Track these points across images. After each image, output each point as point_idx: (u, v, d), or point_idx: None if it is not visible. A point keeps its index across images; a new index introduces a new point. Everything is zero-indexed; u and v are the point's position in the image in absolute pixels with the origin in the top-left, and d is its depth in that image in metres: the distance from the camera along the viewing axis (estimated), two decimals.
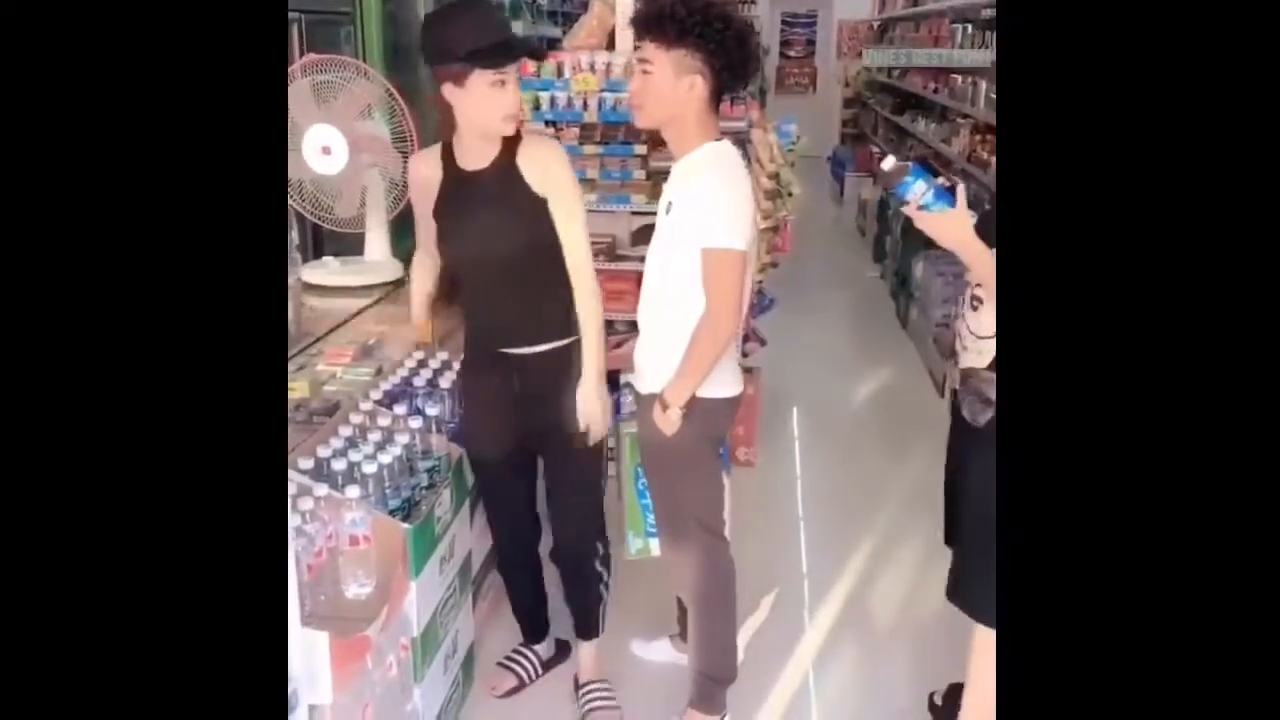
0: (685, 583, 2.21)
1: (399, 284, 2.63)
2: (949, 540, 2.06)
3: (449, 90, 1.89)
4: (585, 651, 2.37)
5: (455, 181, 2.00)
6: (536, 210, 1.99)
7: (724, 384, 2.04)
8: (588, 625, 2.34)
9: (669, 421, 1.99)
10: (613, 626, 2.40)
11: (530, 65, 3.51)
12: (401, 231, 2.85)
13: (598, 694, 2.33)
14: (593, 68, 3.45)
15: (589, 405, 2.09)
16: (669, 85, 1.91)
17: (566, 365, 2.09)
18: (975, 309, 1.85)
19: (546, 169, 1.99)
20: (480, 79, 1.86)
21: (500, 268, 2.03)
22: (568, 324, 2.09)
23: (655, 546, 2.39)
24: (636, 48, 1.98)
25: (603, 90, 3.42)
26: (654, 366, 2.06)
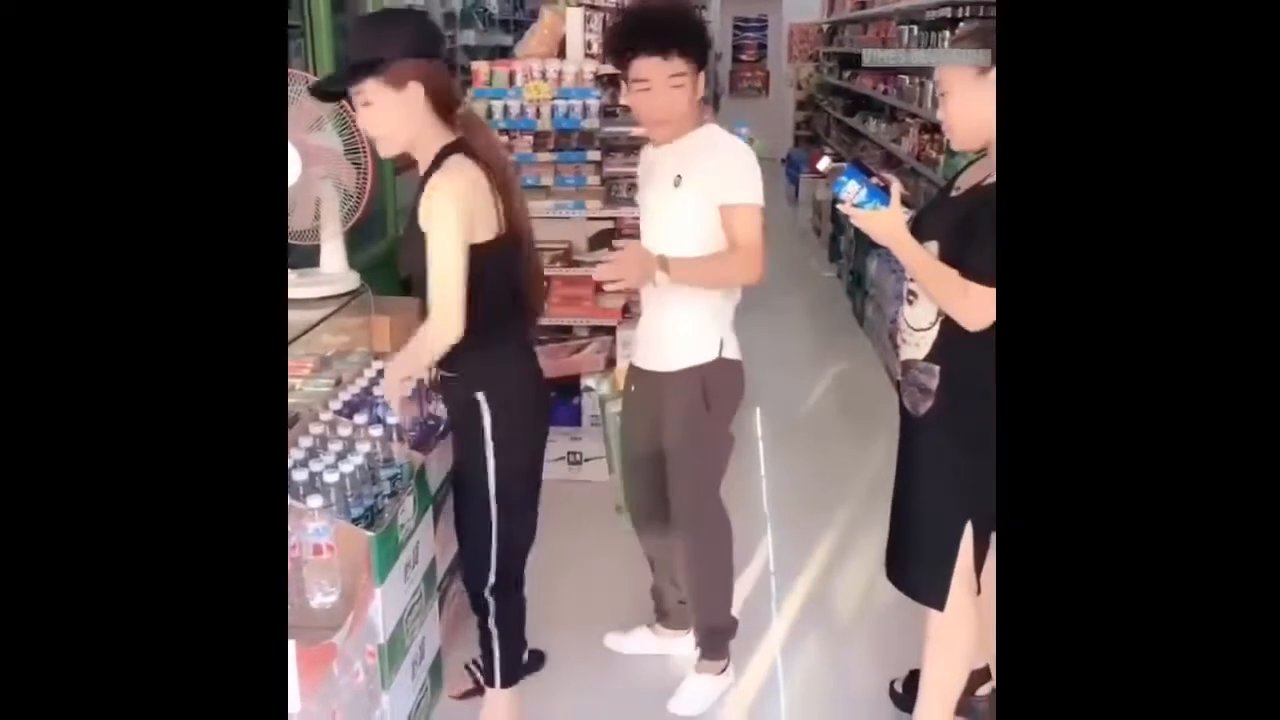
0: (695, 549, 2.32)
1: (356, 295, 2.63)
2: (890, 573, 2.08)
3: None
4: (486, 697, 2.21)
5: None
6: (418, 236, 1.87)
7: (737, 350, 2.22)
8: (484, 670, 2.19)
9: (640, 270, 2.04)
10: (585, 621, 2.42)
11: (482, 74, 3.54)
12: (358, 243, 2.85)
13: None
14: (544, 75, 3.48)
15: (390, 377, 2.00)
16: (696, 93, 2.09)
17: (457, 395, 2.04)
18: (911, 303, 1.91)
19: (423, 199, 1.85)
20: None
21: (418, 287, 1.95)
22: (464, 352, 1.92)
23: None
24: (626, 69, 2.07)
25: (555, 98, 3.46)
26: (676, 340, 2.17)
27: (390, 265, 2.37)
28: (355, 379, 2.43)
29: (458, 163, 1.85)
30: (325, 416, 2.19)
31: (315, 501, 1.83)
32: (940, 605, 1.94)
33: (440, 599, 2.39)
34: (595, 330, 3.78)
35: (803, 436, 4.09)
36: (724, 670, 2.43)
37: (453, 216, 1.82)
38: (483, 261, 1.87)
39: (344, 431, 2.11)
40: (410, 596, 2.12)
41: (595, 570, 2.92)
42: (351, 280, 2.69)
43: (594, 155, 3.50)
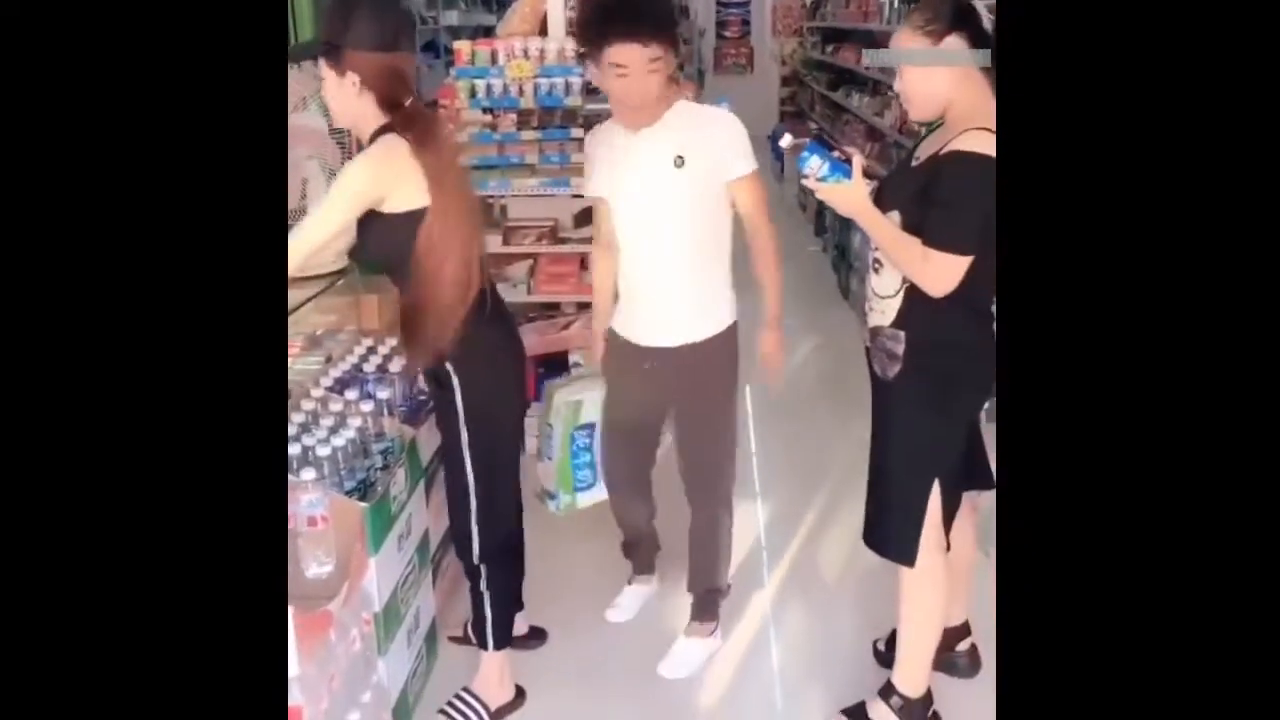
0: (719, 512, 2.42)
1: (342, 274, 2.66)
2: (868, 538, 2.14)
3: None
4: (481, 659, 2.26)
5: None
6: (366, 221, 1.92)
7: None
8: (476, 634, 2.24)
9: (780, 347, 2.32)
10: (574, 589, 2.46)
11: (464, 53, 3.55)
12: None
13: (452, 701, 2.25)
14: (526, 54, 3.49)
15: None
16: (666, 76, 2.08)
17: (431, 368, 2.07)
18: (877, 271, 1.96)
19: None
20: None
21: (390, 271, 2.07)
22: (404, 329, 2.03)
23: (582, 500, 2.56)
24: (599, 53, 2.04)
25: (537, 76, 3.47)
26: (704, 312, 2.26)
27: None
28: (345, 356, 2.46)
29: (382, 140, 1.88)
30: (316, 393, 2.23)
31: (309, 475, 1.88)
32: (910, 562, 2.00)
33: (434, 570, 2.44)
34: (582, 306, 3.81)
35: (791, 411, 4.13)
36: (713, 632, 2.50)
37: (357, 179, 1.86)
38: (422, 227, 1.88)
39: (335, 407, 2.16)
40: (404, 566, 2.17)
41: (583, 540, 2.97)
42: (338, 260, 2.72)
43: (578, 132, 3.51)
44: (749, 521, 3.17)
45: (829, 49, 8.77)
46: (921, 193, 1.82)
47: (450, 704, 2.22)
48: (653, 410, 2.39)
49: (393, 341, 2.54)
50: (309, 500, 1.83)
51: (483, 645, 2.21)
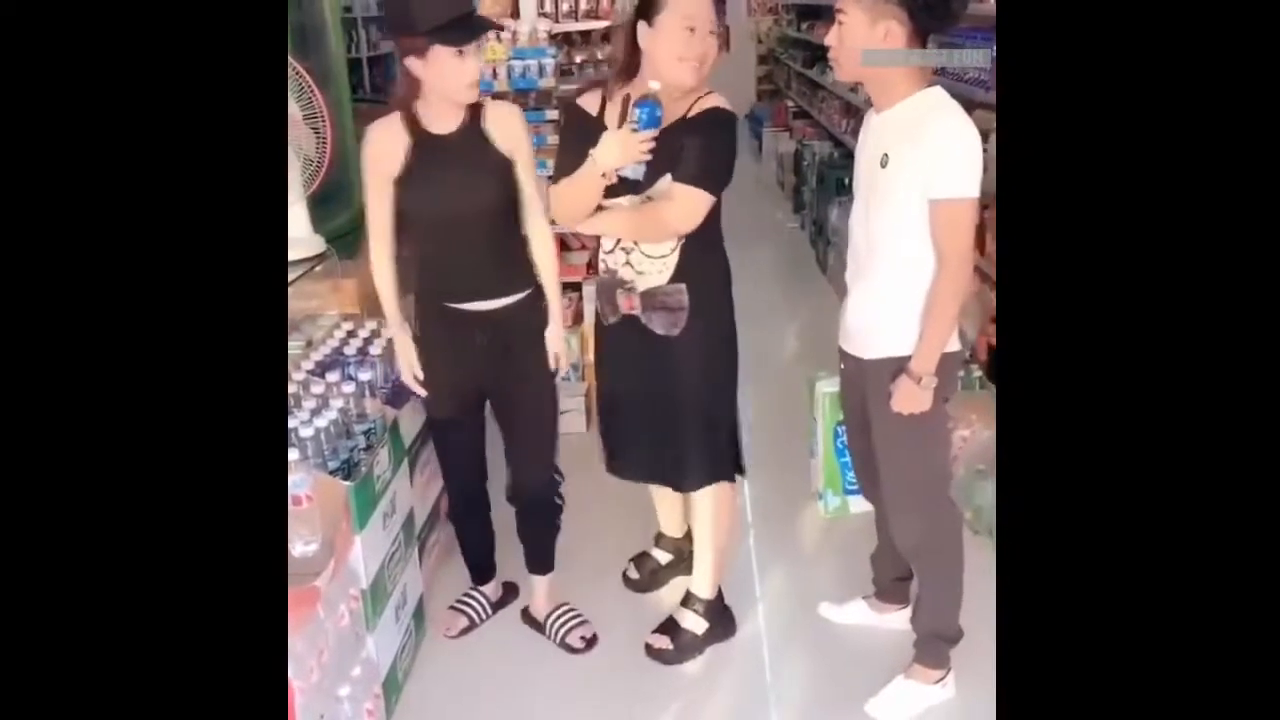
0: (915, 546, 2.15)
1: (321, 259, 2.68)
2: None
3: (412, 62, 1.96)
4: (539, 586, 2.49)
5: (426, 145, 2.05)
6: (504, 170, 2.11)
7: (952, 339, 1.98)
8: (544, 560, 2.46)
9: (922, 394, 1.91)
10: (561, 565, 2.51)
11: None
12: (322, 208, 2.89)
13: (567, 615, 2.49)
14: (499, 36, 3.50)
15: (559, 343, 2.28)
16: (863, 33, 1.85)
17: (528, 314, 2.22)
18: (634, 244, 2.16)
19: (511, 131, 2.11)
20: (441, 51, 1.93)
21: (471, 225, 2.11)
22: (528, 276, 2.22)
23: (852, 505, 2.54)
24: None
25: (511, 58, 3.49)
26: (881, 330, 1.99)
27: (357, 232, 2.42)
28: (325, 340, 2.49)
29: (507, 102, 2.25)
30: (298, 376, 2.26)
31: (292, 455, 1.91)
32: (732, 476, 2.34)
33: (420, 548, 2.48)
34: (562, 286, 3.83)
35: (775, 386, 4.18)
36: (940, 681, 2.21)
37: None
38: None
39: (317, 389, 2.18)
40: (390, 544, 2.20)
41: (572, 517, 3.00)
42: (316, 244, 2.74)
43: (552, 114, 3.54)
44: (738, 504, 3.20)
45: (804, 26, 8.77)
46: (682, 149, 2.01)
47: (568, 621, 2.47)
48: (862, 414, 2.14)
49: (373, 324, 2.57)
50: (293, 480, 1.86)
51: (550, 568, 2.47)
